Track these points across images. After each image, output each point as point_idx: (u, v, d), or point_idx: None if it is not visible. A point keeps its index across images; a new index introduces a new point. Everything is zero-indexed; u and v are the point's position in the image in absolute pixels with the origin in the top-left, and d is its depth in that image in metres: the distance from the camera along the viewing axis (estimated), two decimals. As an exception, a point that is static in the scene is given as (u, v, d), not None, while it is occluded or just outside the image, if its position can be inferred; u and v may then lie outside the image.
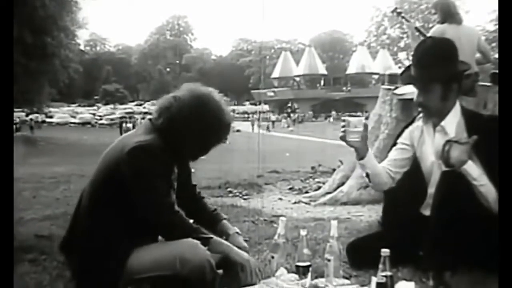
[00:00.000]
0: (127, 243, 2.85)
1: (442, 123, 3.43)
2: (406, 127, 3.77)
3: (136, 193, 2.83)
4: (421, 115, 3.63)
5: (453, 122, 3.42)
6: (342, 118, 3.50)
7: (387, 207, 3.92)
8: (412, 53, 3.70)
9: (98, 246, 2.86)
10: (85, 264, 2.91)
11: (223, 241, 3.02)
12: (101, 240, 2.86)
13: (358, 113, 71.46)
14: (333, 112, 73.33)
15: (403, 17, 7.94)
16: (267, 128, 52.57)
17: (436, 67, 3.39)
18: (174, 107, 2.93)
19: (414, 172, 3.60)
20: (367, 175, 3.56)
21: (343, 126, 3.34)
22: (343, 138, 3.36)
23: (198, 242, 2.80)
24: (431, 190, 3.38)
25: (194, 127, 2.91)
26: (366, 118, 4.12)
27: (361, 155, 3.49)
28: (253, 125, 53.92)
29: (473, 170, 3.10)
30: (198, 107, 2.92)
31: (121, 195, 2.86)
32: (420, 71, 3.47)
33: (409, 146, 3.63)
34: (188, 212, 3.08)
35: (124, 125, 54.52)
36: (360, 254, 3.61)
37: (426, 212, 3.42)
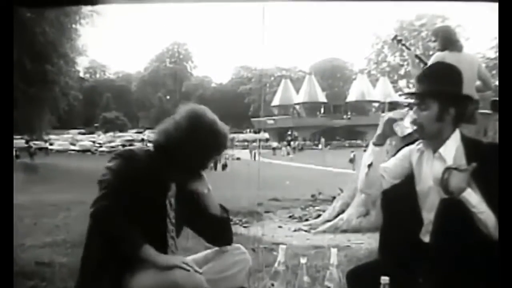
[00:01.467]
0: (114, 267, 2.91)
1: (441, 150, 3.43)
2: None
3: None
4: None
5: (452, 149, 3.42)
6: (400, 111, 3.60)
7: (384, 234, 3.90)
8: (414, 78, 3.76)
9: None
10: None
11: (151, 250, 2.93)
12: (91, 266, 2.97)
13: (358, 141, 71.67)
14: (322, 140, 73.41)
15: (403, 45, 7.99)
16: (254, 156, 52.40)
17: (437, 84, 3.41)
18: (171, 124, 3.04)
19: (412, 197, 3.59)
20: (370, 164, 3.58)
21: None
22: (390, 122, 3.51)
23: (191, 269, 2.84)
24: (426, 214, 3.40)
25: (191, 140, 2.97)
26: (366, 146, 4.15)
27: (381, 142, 3.59)
28: (251, 152, 53.84)
29: (472, 197, 3.10)
30: (194, 121, 3.03)
31: None
32: (421, 86, 3.49)
33: (408, 163, 3.64)
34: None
35: (124, 152, 54.55)
36: (360, 281, 3.60)
37: (426, 238, 3.41)
